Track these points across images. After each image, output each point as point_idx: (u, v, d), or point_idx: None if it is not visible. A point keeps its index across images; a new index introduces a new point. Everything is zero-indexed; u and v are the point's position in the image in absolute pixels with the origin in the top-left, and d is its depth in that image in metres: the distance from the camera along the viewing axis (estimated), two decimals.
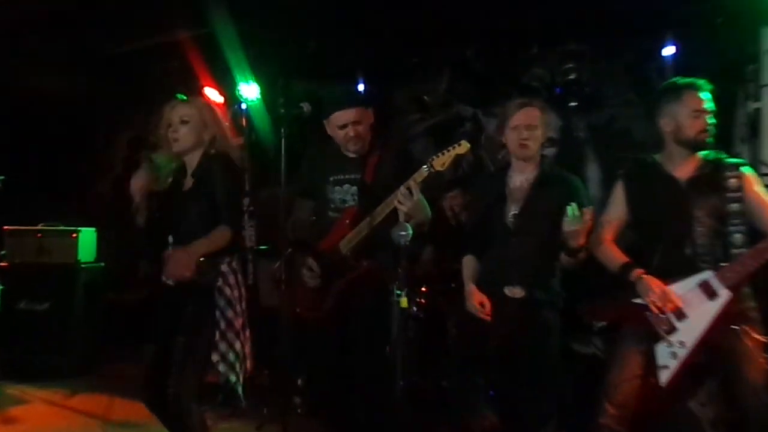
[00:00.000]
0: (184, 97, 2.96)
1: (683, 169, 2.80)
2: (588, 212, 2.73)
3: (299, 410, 4.34)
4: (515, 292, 2.97)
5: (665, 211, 2.78)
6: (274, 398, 4.36)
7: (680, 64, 4.37)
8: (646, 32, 4.52)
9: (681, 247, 2.71)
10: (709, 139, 2.76)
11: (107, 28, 5.53)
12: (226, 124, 3.04)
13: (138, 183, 2.93)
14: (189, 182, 2.95)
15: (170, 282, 2.82)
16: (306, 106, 3.04)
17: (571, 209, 2.69)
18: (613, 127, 4.85)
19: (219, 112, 3.03)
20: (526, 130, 3.01)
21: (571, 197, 2.86)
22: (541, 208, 2.99)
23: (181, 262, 2.71)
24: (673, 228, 2.74)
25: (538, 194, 3.01)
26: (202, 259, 2.75)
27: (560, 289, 3.06)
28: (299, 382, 4.46)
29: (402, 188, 2.91)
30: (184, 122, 2.88)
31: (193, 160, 2.96)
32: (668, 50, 4.47)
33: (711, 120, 2.76)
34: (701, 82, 2.82)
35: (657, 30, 4.47)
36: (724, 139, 3.00)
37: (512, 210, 3.04)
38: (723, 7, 4.13)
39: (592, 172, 4.91)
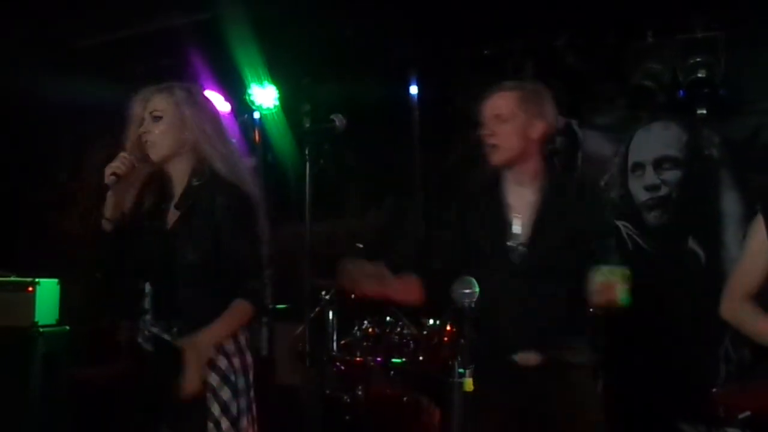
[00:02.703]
0: None
1: None
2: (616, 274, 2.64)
3: None
4: (529, 358, 2.88)
5: None
6: None
7: None
8: None
9: None
10: None
11: (76, 11, 5.73)
12: (222, 129, 2.97)
13: (113, 164, 2.80)
14: (173, 215, 2.89)
15: (149, 346, 2.84)
16: (339, 119, 3.00)
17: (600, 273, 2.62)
18: (760, 142, 4.86)
19: (212, 112, 2.98)
20: (494, 123, 2.94)
21: (592, 217, 2.95)
22: (556, 233, 2.95)
23: (191, 370, 2.66)
24: None
25: (551, 214, 2.96)
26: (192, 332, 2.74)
27: (595, 344, 3.04)
28: None
29: None
30: (156, 117, 2.83)
31: (176, 180, 2.92)
32: None
33: None
34: None
35: None
36: None
37: (516, 239, 2.98)
38: None
39: (731, 204, 4.93)
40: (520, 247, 2.93)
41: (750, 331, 2.92)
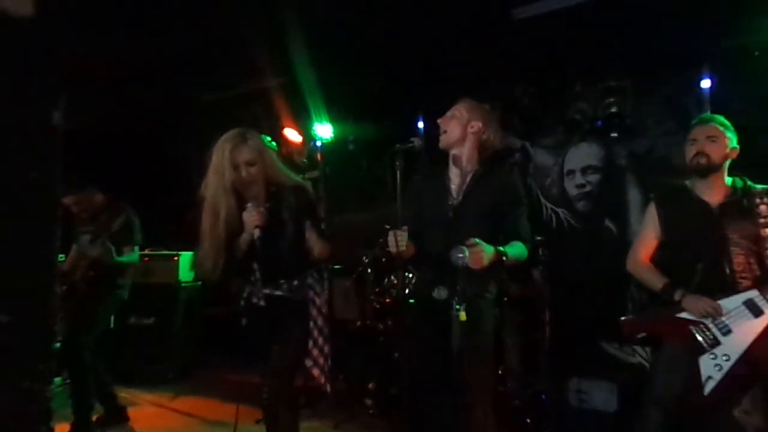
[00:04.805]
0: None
1: (713, 194, 2.82)
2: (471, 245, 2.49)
3: (371, 411, 4.42)
4: (441, 293, 2.72)
5: (700, 233, 2.78)
6: (349, 400, 4.46)
7: (717, 96, 4.33)
8: (685, 67, 4.47)
9: (720, 267, 2.70)
10: (703, 162, 2.78)
11: (200, 79, 5.80)
12: (275, 156, 2.87)
13: (255, 219, 2.68)
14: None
15: (262, 303, 2.78)
16: (417, 141, 2.71)
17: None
18: (653, 155, 4.76)
19: (268, 145, 2.87)
20: (448, 119, 2.84)
21: (506, 192, 2.79)
22: (478, 200, 2.79)
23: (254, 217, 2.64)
24: (710, 249, 2.73)
25: (476, 187, 2.81)
26: (295, 282, 2.77)
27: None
28: (371, 385, 4.54)
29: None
30: (251, 164, 2.71)
31: (258, 193, 2.81)
32: (705, 83, 4.40)
33: (709, 144, 2.77)
34: (709, 116, 2.89)
35: (695, 64, 4.42)
36: (763, 167, 2.93)
37: (452, 202, 2.83)
38: (759, 41, 4.07)
39: (634, 196, 4.85)
40: (453, 209, 2.80)
41: (642, 279, 2.94)
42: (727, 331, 2.65)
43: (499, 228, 2.74)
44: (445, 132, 2.83)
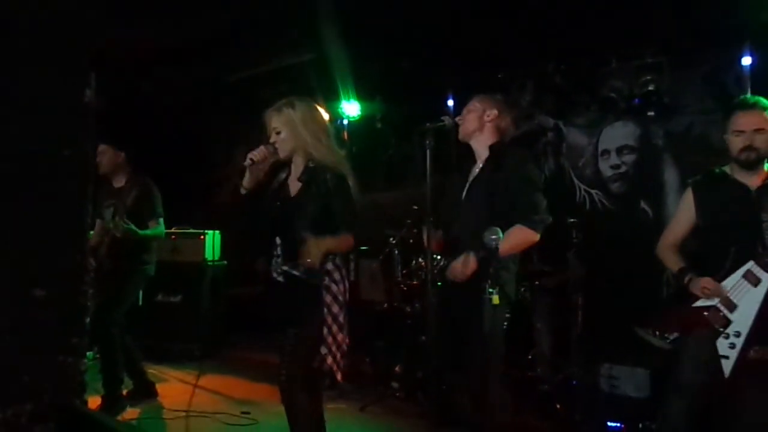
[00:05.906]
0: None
1: (753, 178, 2.79)
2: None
3: (397, 394, 4.47)
4: (455, 275, 2.88)
5: (736, 216, 2.78)
6: (375, 383, 4.52)
7: (758, 73, 4.24)
8: (725, 43, 4.38)
9: (752, 250, 2.70)
10: (753, 157, 2.71)
11: (226, 57, 5.83)
12: (322, 130, 2.93)
13: (260, 153, 2.83)
14: (295, 187, 2.89)
15: (281, 279, 2.84)
16: (447, 120, 2.80)
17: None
18: (691, 134, 4.69)
19: (314, 119, 2.91)
20: (465, 112, 3.02)
21: (517, 179, 2.83)
22: (487, 188, 2.91)
23: (312, 252, 2.69)
24: (744, 232, 2.73)
25: (487, 175, 2.94)
26: (309, 260, 2.75)
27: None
28: (397, 368, 4.58)
29: None
30: (277, 132, 2.87)
31: (298, 165, 2.91)
32: (746, 60, 4.31)
33: (758, 137, 2.71)
34: (753, 100, 2.76)
35: (735, 40, 4.33)
36: None
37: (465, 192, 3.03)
38: None
39: (671, 177, 4.79)
40: (463, 197, 3.00)
41: (665, 263, 3.01)
42: (733, 307, 2.71)
43: (500, 208, 2.81)
44: (463, 124, 3.02)
